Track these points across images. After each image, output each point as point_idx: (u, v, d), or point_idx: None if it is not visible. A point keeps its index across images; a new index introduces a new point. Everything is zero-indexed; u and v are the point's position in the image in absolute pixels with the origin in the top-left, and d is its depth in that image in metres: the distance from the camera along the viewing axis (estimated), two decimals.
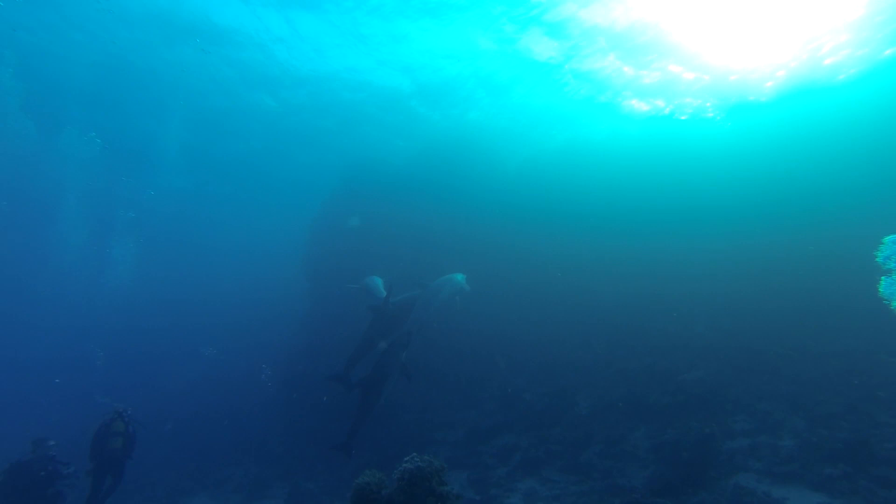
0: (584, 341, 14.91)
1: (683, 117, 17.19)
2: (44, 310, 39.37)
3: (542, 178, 19.30)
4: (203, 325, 37.00)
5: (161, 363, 30.20)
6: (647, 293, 15.08)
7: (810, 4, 11.73)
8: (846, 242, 13.98)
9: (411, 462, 4.73)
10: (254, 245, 44.03)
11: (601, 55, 14.15)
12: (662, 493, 8.49)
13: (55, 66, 16.26)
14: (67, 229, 31.36)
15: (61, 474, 8.53)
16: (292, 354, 17.57)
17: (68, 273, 37.25)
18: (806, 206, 17.16)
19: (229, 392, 21.64)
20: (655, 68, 14.50)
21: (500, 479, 10.53)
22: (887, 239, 9.30)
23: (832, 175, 17.59)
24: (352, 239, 16.91)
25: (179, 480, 15.09)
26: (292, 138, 22.68)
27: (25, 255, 36.23)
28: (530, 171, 19.85)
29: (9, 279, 37.05)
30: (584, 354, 14.51)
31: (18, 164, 23.84)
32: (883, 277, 9.29)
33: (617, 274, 16.14)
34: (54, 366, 29.35)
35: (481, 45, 14.25)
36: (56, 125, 20.30)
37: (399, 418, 13.75)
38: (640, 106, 16.78)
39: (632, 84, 15.47)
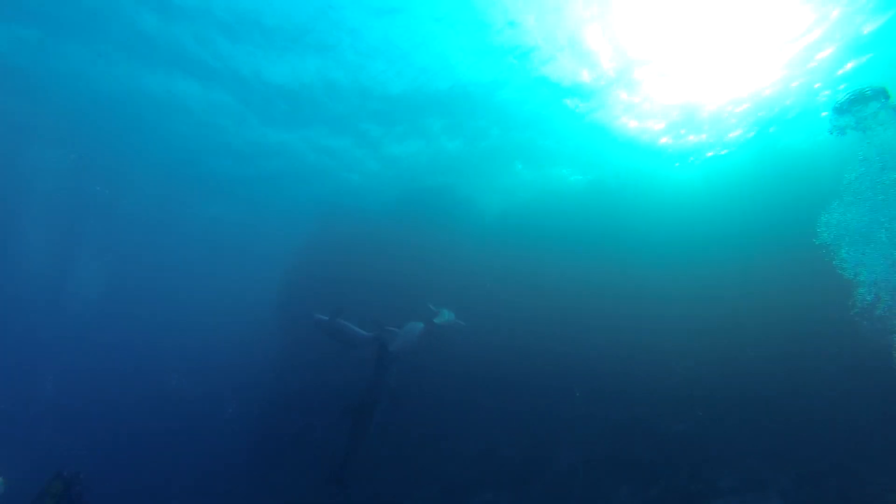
0: (564, 392, 14.51)
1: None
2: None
3: (519, 219, 19.33)
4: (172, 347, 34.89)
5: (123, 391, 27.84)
6: (628, 341, 14.87)
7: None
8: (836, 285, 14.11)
9: None
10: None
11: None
12: None
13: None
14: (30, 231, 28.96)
15: None
16: (264, 408, 16.70)
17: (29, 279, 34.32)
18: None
19: (193, 440, 20.43)
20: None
21: None
22: None
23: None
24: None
25: None
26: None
27: None
28: (509, 217, 19.90)
29: None
30: (564, 405, 14.08)
31: None
32: None
33: (599, 322, 15.96)
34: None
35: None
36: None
37: (371, 474, 12.97)
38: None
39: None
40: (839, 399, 11.43)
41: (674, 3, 11.38)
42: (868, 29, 12.10)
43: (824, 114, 15.35)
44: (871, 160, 9.14)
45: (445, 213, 18.74)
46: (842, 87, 14.19)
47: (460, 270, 16.66)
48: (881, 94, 8.47)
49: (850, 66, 13.39)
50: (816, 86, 14.26)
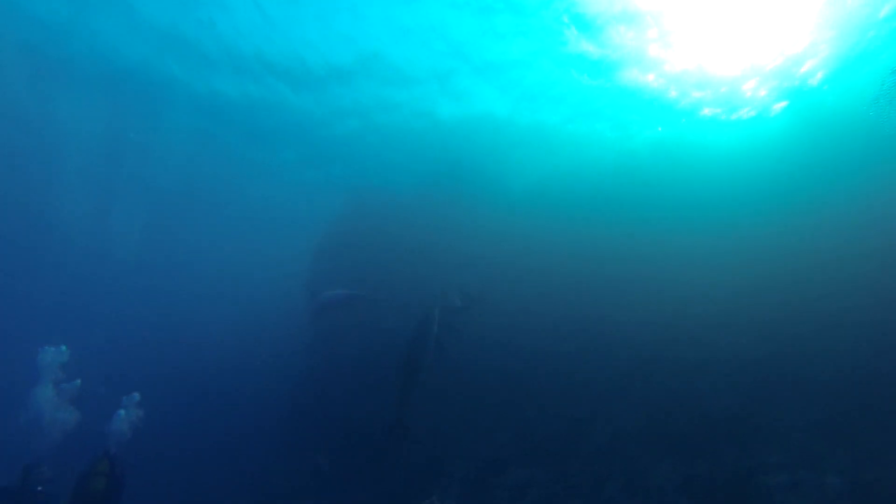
0: (599, 367, 14.11)
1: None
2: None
3: (551, 189, 18.69)
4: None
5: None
6: (666, 315, 14.31)
7: None
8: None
9: None
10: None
11: None
12: None
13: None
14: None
15: None
16: (296, 385, 16.85)
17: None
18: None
19: (230, 427, 20.86)
20: None
21: None
22: None
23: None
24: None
25: None
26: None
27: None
28: (546, 182, 19.21)
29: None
30: (600, 381, 13.70)
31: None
32: None
33: (636, 296, 15.41)
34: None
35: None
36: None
37: (406, 450, 12.94)
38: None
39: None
40: None
41: None
42: None
43: None
44: None
45: (481, 182, 18.24)
46: None
47: (494, 241, 16.28)
48: None
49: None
50: None
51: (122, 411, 9.05)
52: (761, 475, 8.73)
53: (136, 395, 9.42)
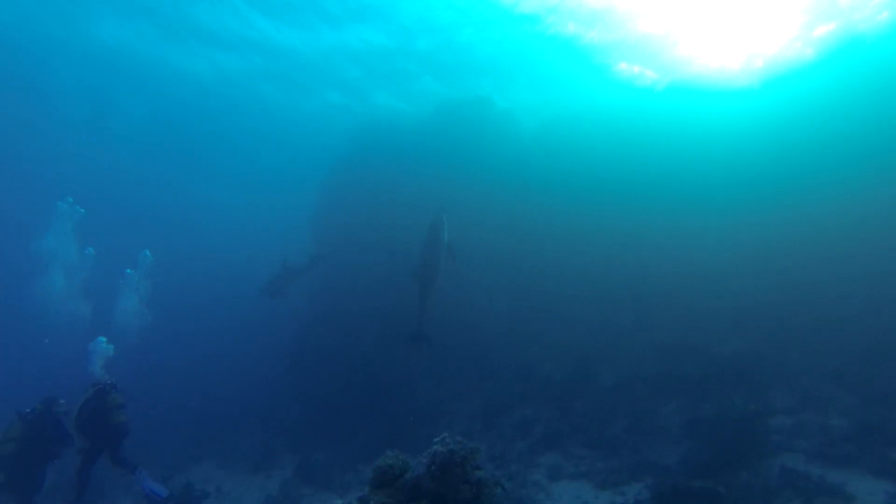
0: (606, 311, 14.12)
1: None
2: None
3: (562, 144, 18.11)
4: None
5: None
6: (674, 262, 14.16)
7: None
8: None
9: (442, 444, 3.98)
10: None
11: None
12: (701, 473, 7.81)
13: None
14: None
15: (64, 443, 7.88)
16: (302, 323, 16.97)
17: None
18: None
19: (237, 362, 21.26)
20: None
21: (520, 454, 9.92)
22: None
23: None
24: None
25: (185, 448, 14.72)
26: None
27: None
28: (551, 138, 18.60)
29: None
30: (607, 324, 13.75)
31: None
32: None
33: (639, 242, 15.21)
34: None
35: None
36: None
37: (412, 388, 13.17)
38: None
39: None
40: None
41: None
42: None
43: None
44: None
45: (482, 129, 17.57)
46: None
47: (498, 186, 15.85)
48: None
49: None
50: None
51: (102, 338, 8.96)
52: (767, 417, 8.84)
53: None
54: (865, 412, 8.44)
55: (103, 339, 8.56)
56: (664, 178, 16.06)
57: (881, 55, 15.30)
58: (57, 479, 10.03)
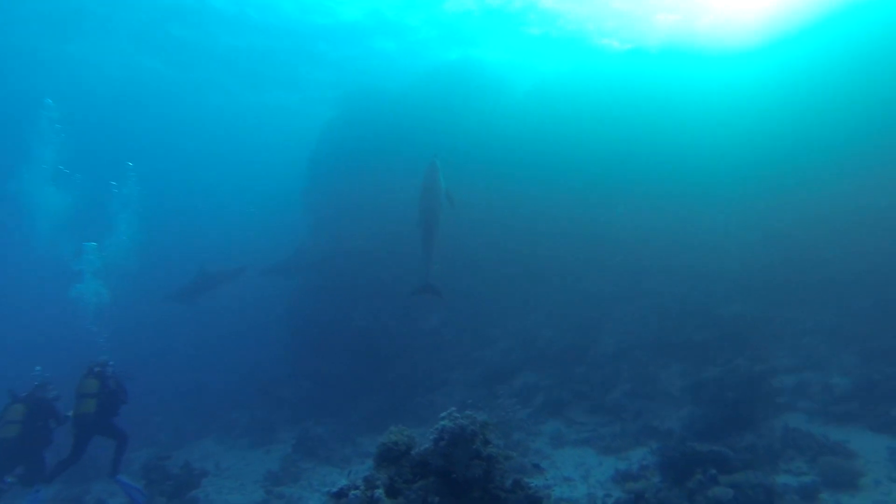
0: (606, 276, 13.99)
1: None
2: None
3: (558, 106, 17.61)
4: None
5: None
6: (674, 225, 13.97)
7: None
8: None
9: (450, 420, 3.79)
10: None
11: None
12: (705, 436, 7.79)
13: None
14: None
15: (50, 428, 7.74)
16: (301, 296, 16.74)
17: None
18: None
19: (235, 335, 21.11)
20: None
21: (522, 422, 9.88)
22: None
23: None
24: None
25: (185, 423, 14.66)
26: None
27: None
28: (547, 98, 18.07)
29: None
30: (606, 288, 13.63)
31: None
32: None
33: (639, 206, 14.97)
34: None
35: None
36: None
37: (410, 358, 13.09)
38: None
39: None
40: None
41: None
42: None
43: None
44: None
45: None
46: None
47: (493, 146, 15.45)
48: None
49: None
50: None
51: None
52: (769, 378, 8.81)
53: None
54: (866, 370, 8.42)
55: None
56: (666, 141, 15.73)
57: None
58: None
